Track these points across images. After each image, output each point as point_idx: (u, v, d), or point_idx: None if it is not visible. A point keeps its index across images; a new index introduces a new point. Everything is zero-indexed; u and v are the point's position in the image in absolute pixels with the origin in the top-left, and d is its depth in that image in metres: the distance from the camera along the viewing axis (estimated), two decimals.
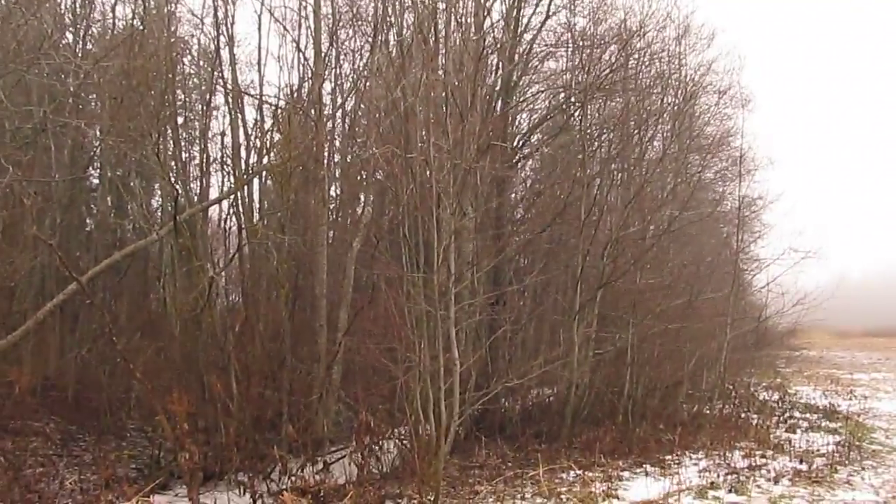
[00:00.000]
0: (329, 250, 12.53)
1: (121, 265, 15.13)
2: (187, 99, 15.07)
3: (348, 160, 15.67)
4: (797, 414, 18.13)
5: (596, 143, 15.90)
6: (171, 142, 13.28)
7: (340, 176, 15.53)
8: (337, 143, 16.05)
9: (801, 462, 12.26)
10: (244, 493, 9.40)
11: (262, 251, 12.28)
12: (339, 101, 15.88)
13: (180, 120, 14.58)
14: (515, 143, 15.57)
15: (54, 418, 12.90)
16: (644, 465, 11.71)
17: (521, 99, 16.00)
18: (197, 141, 15.44)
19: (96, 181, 17.12)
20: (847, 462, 12.49)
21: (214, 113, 15.36)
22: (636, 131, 15.81)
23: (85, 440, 12.37)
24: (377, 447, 10.48)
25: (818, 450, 13.24)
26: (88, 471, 10.77)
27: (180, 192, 12.07)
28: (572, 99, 15.29)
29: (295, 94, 14.42)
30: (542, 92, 16.83)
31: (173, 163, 13.13)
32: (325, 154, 13.44)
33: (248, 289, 12.34)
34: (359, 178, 15.32)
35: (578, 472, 10.90)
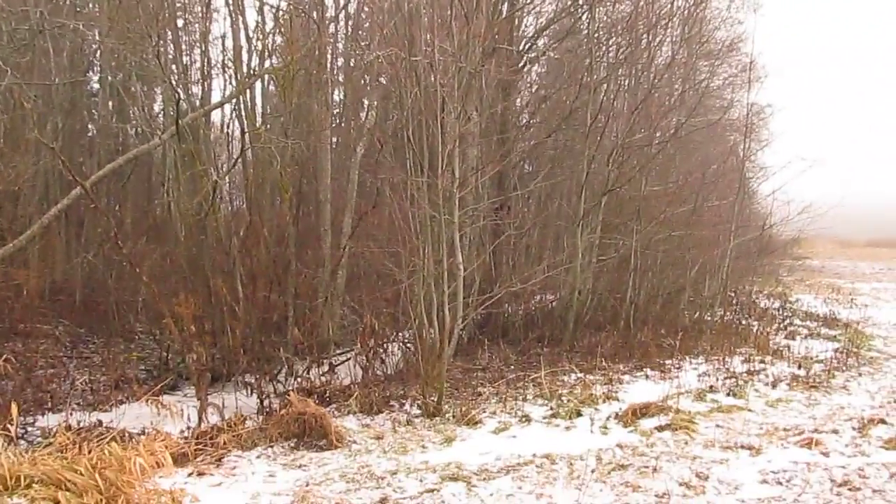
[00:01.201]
0: (332, 155, 12.47)
1: (124, 170, 15.10)
2: (187, 1, 14.77)
3: (351, 64, 15.43)
4: (797, 321, 18.29)
5: (603, 48, 15.56)
6: (172, 45, 13.06)
7: (344, 80, 15.32)
8: (340, 47, 15.78)
9: (799, 368, 12.42)
10: (251, 394, 9.60)
11: (266, 156, 12.20)
12: (342, 3, 15.55)
13: (180, 23, 14.33)
14: (521, 47, 15.26)
15: (63, 321, 13.08)
16: (644, 369, 11.88)
17: (528, 2, 15.61)
18: (197, 44, 15.19)
19: (97, 85, 16.95)
20: (845, 368, 12.65)
21: (215, 16, 15.08)
22: (645, 36, 15.45)
23: (94, 343, 12.56)
24: (381, 350, 10.65)
25: (817, 356, 13.39)
26: (98, 372, 10.97)
27: (182, 96, 11.92)
28: (580, 2, 14.92)
29: None
30: None
31: (174, 66, 12.94)
32: (328, 58, 13.24)
33: (251, 194, 12.31)
34: (362, 82, 15.11)
35: (579, 374, 11.08)
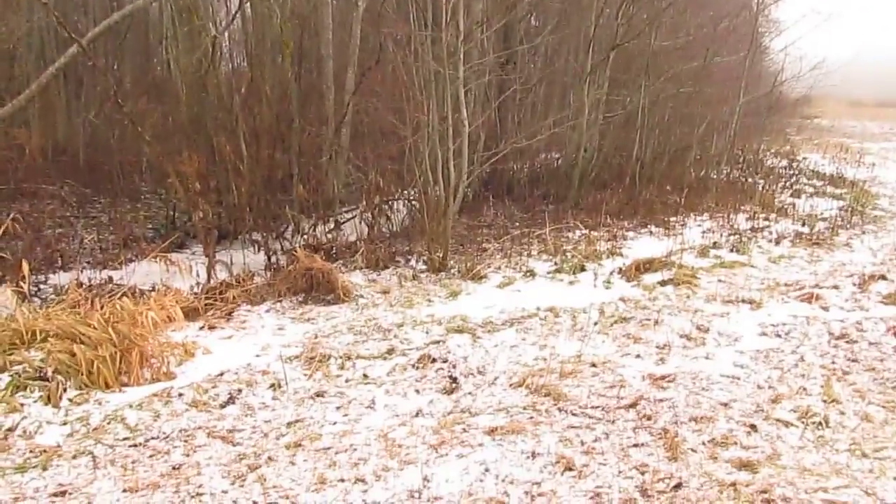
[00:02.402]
0: (334, 9, 12.10)
1: (120, 27, 14.70)
2: None
3: None
4: (803, 180, 18.23)
5: None
6: None
7: None
8: None
9: (803, 225, 12.47)
10: (258, 251, 9.68)
11: (265, 11, 11.84)
12: None
13: None
14: None
15: (67, 182, 13.06)
16: (648, 226, 11.94)
17: None
18: None
19: None
20: (848, 226, 12.71)
21: None
22: None
23: (100, 202, 12.59)
24: (387, 207, 10.67)
25: (821, 214, 13.42)
26: (106, 231, 11.05)
27: None
28: None
29: None
30: None
31: None
32: None
33: (251, 50, 12.03)
34: None
35: (584, 231, 11.14)
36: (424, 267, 9.38)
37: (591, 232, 11.10)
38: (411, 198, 10.93)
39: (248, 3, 11.81)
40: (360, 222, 10.37)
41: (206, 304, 7.65)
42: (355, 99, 11.35)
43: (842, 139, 32.52)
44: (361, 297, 8.20)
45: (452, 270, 9.22)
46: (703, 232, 11.74)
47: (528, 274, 9.18)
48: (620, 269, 9.31)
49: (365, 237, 9.99)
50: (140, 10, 12.44)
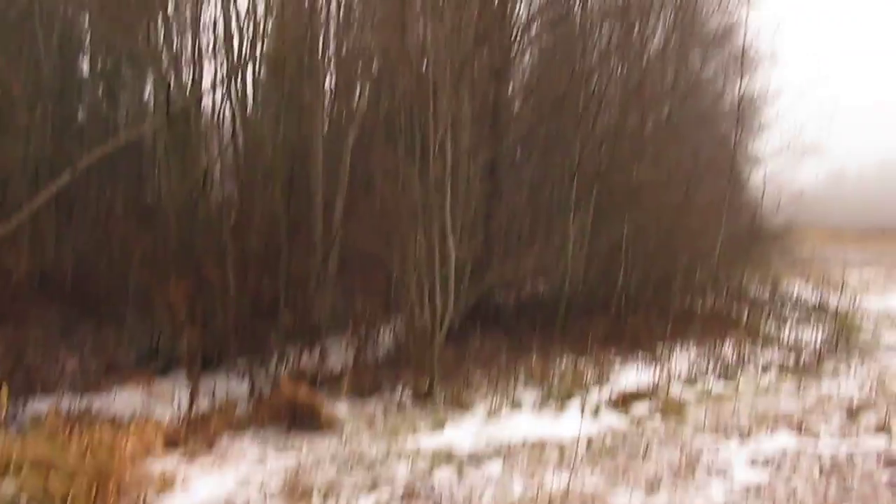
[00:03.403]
0: (324, 141, 12.41)
1: (114, 156, 14.97)
2: None
3: (344, 49, 15.33)
4: (787, 309, 18.35)
5: (596, 35, 15.53)
6: (162, 30, 12.94)
7: (336, 65, 15.22)
8: (332, 32, 15.67)
9: (788, 354, 12.49)
10: (243, 379, 9.59)
11: (257, 141, 12.15)
12: None
13: (171, 7, 14.19)
14: (514, 34, 15.21)
15: (54, 306, 12.99)
16: (635, 354, 11.92)
17: None
18: (188, 29, 15.04)
19: (87, 70, 16.78)
20: (834, 355, 12.74)
21: (206, 0, 14.91)
22: (637, 23, 15.43)
23: (84, 328, 12.49)
24: (373, 335, 10.65)
25: (806, 343, 13.46)
26: (89, 357, 10.92)
27: (172, 81, 11.86)
28: None
29: None
30: None
31: (165, 52, 12.84)
32: (320, 43, 13.16)
33: (243, 179, 12.27)
34: (355, 67, 15.02)
35: (571, 360, 11.10)
36: (410, 395, 9.28)
37: (578, 360, 11.08)
38: (398, 325, 10.92)
39: (241, 135, 12.13)
40: (347, 350, 10.34)
41: (187, 433, 7.51)
42: (343, 228, 11.51)
43: (823, 267, 32.94)
44: (346, 426, 8.08)
45: (438, 399, 9.12)
46: (690, 361, 11.72)
47: (515, 403, 9.10)
48: (608, 398, 9.26)
49: (351, 365, 9.93)
50: (134, 138, 12.71)
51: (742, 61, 18.99)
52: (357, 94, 15.11)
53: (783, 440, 7.77)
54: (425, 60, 9.34)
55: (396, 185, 9.89)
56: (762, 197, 21.60)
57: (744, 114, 19.90)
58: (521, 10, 16.20)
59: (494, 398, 9.34)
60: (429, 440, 7.64)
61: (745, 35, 18.98)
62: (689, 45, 17.31)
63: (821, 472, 6.77)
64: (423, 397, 9.12)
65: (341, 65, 15.03)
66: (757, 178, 22.16)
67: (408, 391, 9.44)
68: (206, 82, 14.61)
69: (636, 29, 15.42)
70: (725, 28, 19.67)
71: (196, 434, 7.55)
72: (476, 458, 6.99)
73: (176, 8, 14.53)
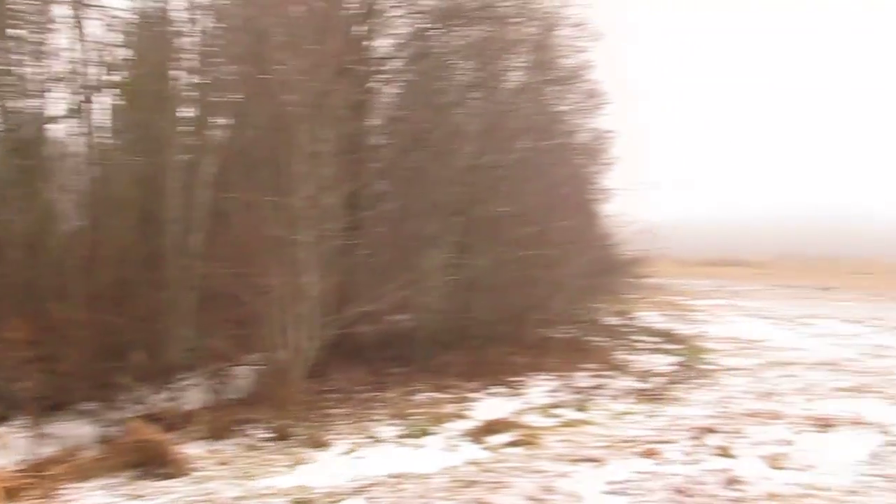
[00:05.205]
0: (181, 173, 12.09)
1: None
2: (25, 10, 13.95)
3: (202, 80, 15.03)
4: (639, 337, 19.14)
5: (456, 71, 15.85)
6: (8, 56, 12.33)
7: (193, 96, 14.89)
8: (189, 62, 15.34)
9: (640, 381, 13.01)
10: (91, 422, 9.15)
11: (110, 172, 11.71)
12: (193, 17, 15.10)
13: (16, 32, 13.55)
14: (374, 68, 15.32)
15: None
16: (494, 387, 12.11)
17: (382, 23, 15.68)
18: (37, 56, 14.39)
19: None
20: (682, 381, 13.36)
21: (56, 26, 14.32)
22: (495, 60, 15.85)
23: None
24: (231, 373, 10.40)
25: (656, 370, 14.06)
26: None
27: (19, 109, 11.30)
28: (433, 25, 15.14)
29: (144, 9, 13.62)
30: (404, 17, 16.56)
31: (10, 79, 12.23)
32: (177, 73, 12.86)
33: (94, 211, 11.78)
34: (213, 98, 14.74)
35: (431, 393, 11.17)
36: (268, 435, 9.08)
37: (438, 394, 11.16)
38: (257, 363, 10.69)
39: (93, 163, 11.66)
40: (203, 389, 10.04)
41: (28, 483, 7.09)
42: (200, 262, 11.22)
43: (672, 297, 34.58)
44: (200, 469, 7.82)
45: (297, 438, 8.97)
46: (547, 391, 12.02)
47: (375, 439, 9.07)
48: (466, 431, 9.35)
49: (207, 405, 9.65)
50: None
51: (594, 99, 19.85)
52: (216, 125, 14.84)
53: (635, 465, 8.07)
54: (284, 93, 9.26)
55: (255, 218, 9.72)
56: (613, 229, 22.51)
57: (595, 149, 20.77)
58: (383, 45, 16.40)
59: (354, 434, 9.27)
60: (286, 480, 7.50)
61: (596, 74, 19.90)
62: (545, 83, 17.88)
63: (670, 494, 7.08)
64: (280, 436, 8.95)
65: (199, 95, 14.73)
66: (609, 210, 23.13)
67: (266, 430, 9.24)
68: (58, 110, 14.04)
69: (495, 67, 15.83)
70: (579, 66, 20.50)
71: (37, 484, 7.14)
72: (334, 497, 6.92)
73: (21, 34, 13.90)
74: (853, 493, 7.28)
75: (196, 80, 14.98)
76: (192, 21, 14.83)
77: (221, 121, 14.42)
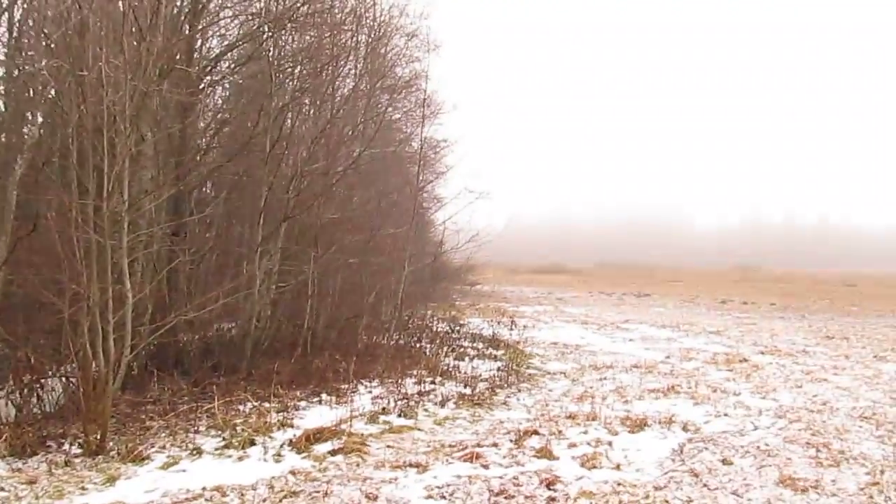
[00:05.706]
0: None
1: None
2: None
3: (13, 74, 14.12)
4: (466, 343, 19.53)
5: (287, 75, 15.69)
6: None
7: (4, 91, 13.98)
8: (0, 55, 14.39)
9: (465, 386, 13.30)
10: None
11: None
12: (3, 6, 14.17)
13: None
14: (202, 69, 14.92)
15: None
16: (321, 395, 12.05)
17: (211, 23, 15.29)
18: None
19: None
20: (506, 385, 13.78)
21: None
22: (328, 66, 15.81)
23: None
24: (39, 385, 9.82)
25: (482, 375, 14.42)
26: None
27: None
28: (264, 28, 14.91)
29: None
30: (234, 18, 16.22)
31: None
32: None
33: None
34: (26, 94, 13.89)
35: (255, 403, 10.99)
36: (80, 451, 8.63)
37: (263, 403, 10.99)
38: (69, 374, 10.15)
39: None
40: (7, 403, 9.43)
41: None
42: (7, 269, 10.55)
43: (500, 303, 35.61)
44: (2, 489, 7.35)
45: (112, 453, 8.58)
46: (374, 398, 12.07)
47: (195, 452, 8.80)
48: (291, 440, 9.26)
49: (11, 420, 9.06)
50: None
51: (425, 108, 20.22)
52: (28, 123, 13.99)
53: (457, 469, 8.26)
54: (102, 91, 8.85)
55: (69, 222, 9.23)
56: (444, 236, 22.96)
57: (426, 158, 21.15)
58: (212, 46, 16.01)
59: (173, 447, 8.98)
60: (98, 497, 7.17)
61: (428, 84, 20.30)
62: (377, 90, 18.03)
63: (490, 496, 7.31)
64: (94, 451, 8.53)
65: (10, 91, 13.85)
66: (439, 218, 23.60)
67: (77, 446, 8.78)
68: None
69: (327, 72, 15.79)
70: (411, 75, 20.84)
71: None
72: None
73: None
74: (660, 488, 7.77)
75: (7, 74, 14.10)
76: (2, 9, 13.96)
77: (35, 118, 13.64)
